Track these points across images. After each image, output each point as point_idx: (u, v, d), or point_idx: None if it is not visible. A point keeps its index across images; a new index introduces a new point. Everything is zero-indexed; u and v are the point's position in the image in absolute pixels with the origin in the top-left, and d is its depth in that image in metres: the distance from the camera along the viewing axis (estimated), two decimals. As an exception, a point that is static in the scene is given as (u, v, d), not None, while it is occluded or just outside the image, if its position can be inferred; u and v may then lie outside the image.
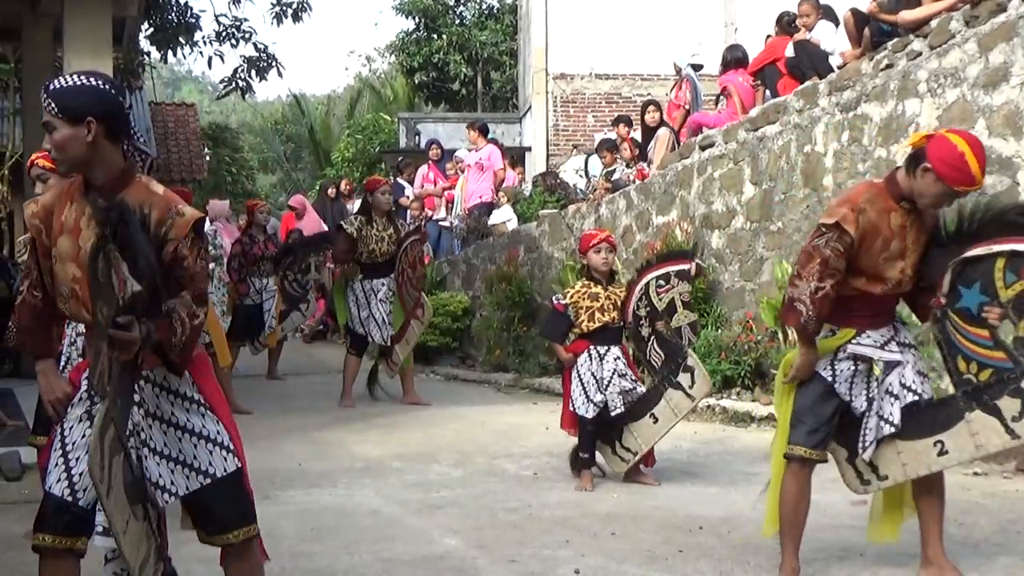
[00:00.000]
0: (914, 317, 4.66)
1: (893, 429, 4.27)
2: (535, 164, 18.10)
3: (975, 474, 6.19)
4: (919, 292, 4.38)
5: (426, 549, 5.04)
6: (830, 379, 4.32)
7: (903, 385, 4.29)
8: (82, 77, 3.26)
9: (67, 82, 3.24)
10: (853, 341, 4.32)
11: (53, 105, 3.19)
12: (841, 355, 4.32)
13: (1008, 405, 4.13)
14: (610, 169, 12.77)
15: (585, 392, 6.42)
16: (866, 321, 4.32)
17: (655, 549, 4.95)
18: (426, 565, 4.79)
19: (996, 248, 4.13)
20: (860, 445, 4.32)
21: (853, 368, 4.32)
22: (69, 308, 3.30)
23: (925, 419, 4.29)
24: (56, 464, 3.22)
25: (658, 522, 5.46)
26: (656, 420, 6.37)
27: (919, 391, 4.31)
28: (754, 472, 6.54)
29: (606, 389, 6.40)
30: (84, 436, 3.21)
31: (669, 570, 4.64)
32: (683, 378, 6.34)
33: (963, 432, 4.21)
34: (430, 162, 16.16)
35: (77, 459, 3.20)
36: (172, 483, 3.26)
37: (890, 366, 4.30)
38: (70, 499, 3.17)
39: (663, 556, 4.84)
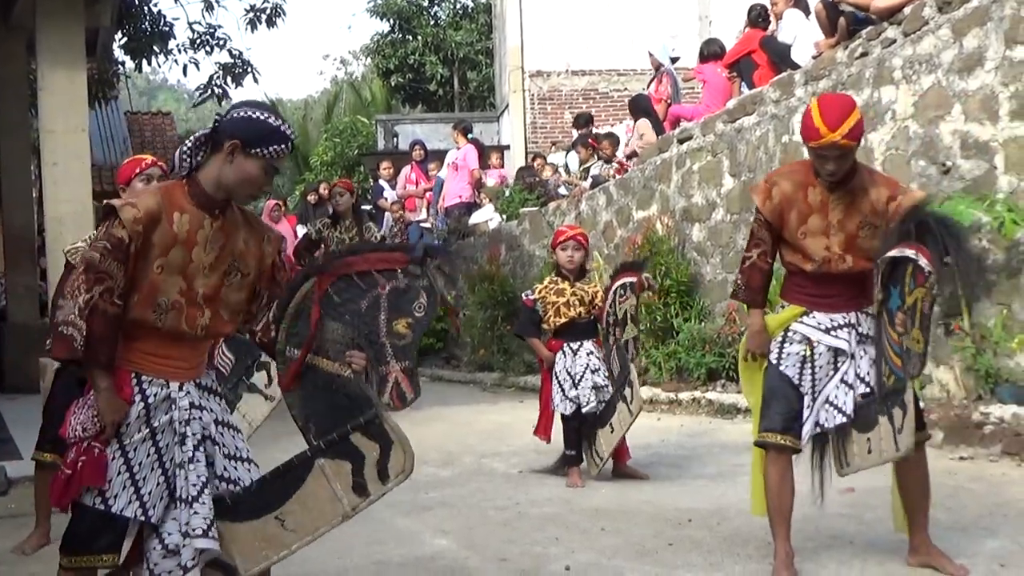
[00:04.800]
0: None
1: (845, 419, 4.20)
2: (514, 162, 18.08)
3: (961, 459, 6.21)
4: None
5: (417, 550, 5.04)
6: (775, 361, 4.28)
7: (858, 375, 4.20)
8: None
9: None
10: (798, 319, 4.29)
11: None
12: (791, 336, 4.28)
13: (897, 415, 4.02)
14: (587, 165, 12.78)
15: (562, 389, 6.41)
16: (815, 301, 4.28)
17: (645, 543, 4.95)
18: (418, 566, 4.79)
19: (907, 252, 3.94)
20: (801, 427, 4.22)
21: (804, 352, 4.26)
22: (166, 320, 3.19)
23: (868, 414, 4.16)
24: (124, 487, 3.17)
25: (648, 516, 5.46)
26: (612, 430, 6.31)
27: (873, 384, 4.18)
28: (741, 463, 6.54)
29: (578, 385, 6.38)
30: (149, 455, 3.22)
31: (660, 563, 4.64)
32: (627, 392, 6.24)
33: (880, 433, 4.09)
34: (413, 163, 16.10)
35: (144, 478, 3.20)
36: (239, 477, 3.32)
37: (839, 354, 4.23)
38: (143, 518, 3.19)
39: (654, 550, 4.84)
